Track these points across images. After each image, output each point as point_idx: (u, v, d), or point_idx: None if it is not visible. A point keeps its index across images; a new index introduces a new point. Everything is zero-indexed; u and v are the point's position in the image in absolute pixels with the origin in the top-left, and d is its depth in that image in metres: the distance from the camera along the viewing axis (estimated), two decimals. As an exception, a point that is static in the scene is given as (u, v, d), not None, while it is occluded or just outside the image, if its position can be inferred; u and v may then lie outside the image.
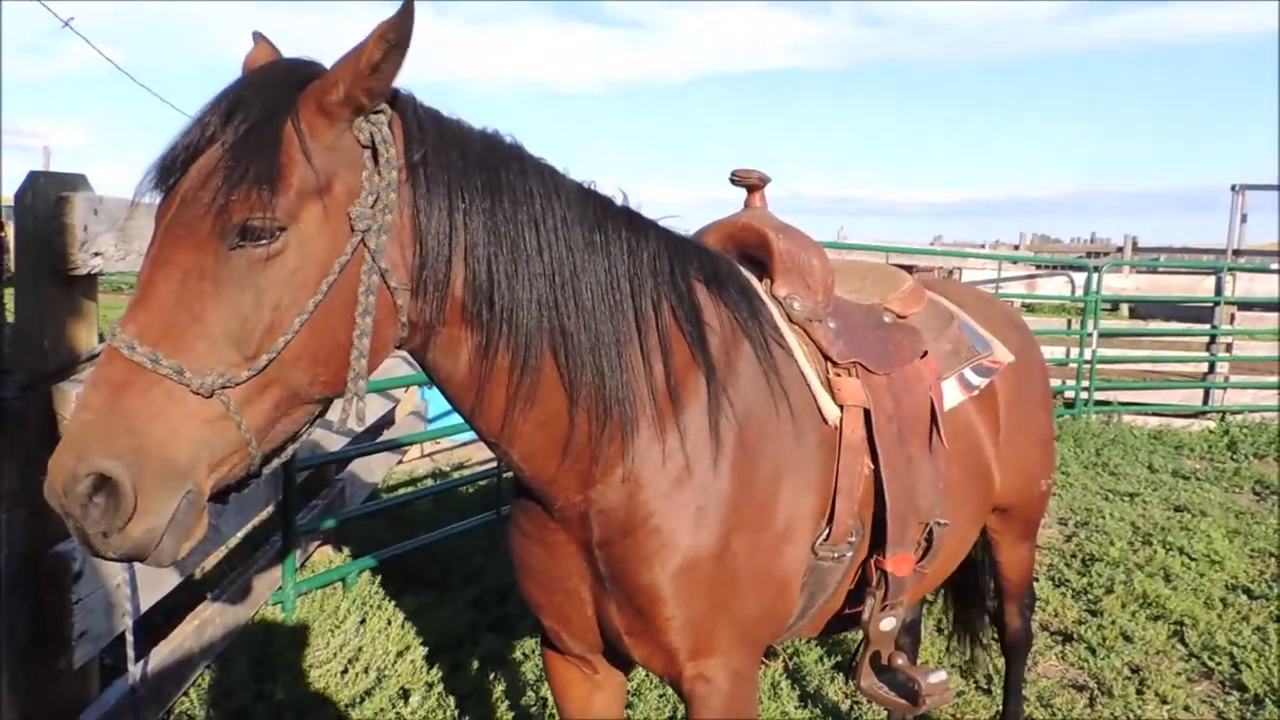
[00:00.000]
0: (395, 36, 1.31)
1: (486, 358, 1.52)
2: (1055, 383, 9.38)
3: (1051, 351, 9.68)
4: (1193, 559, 5.12)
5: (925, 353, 2.11)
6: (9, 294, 2.44)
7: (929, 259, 13.57)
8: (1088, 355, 9.24)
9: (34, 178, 2.36)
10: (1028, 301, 11.83)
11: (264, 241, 1.29)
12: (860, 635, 2.10)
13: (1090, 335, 9.29)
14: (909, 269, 12.79)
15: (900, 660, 2.10)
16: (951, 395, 2.17)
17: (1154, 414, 9.36)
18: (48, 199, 2.34)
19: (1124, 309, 14.30)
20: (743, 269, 1.93)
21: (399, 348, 1.51)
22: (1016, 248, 21.68)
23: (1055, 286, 10.42)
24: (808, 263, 1.94)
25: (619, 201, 1.70)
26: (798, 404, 1.82)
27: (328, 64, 1.39)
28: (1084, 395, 9.21)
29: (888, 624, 2.04)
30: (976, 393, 2.25)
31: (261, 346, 1.30)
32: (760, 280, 1.94)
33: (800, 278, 1.93)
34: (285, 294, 1.31)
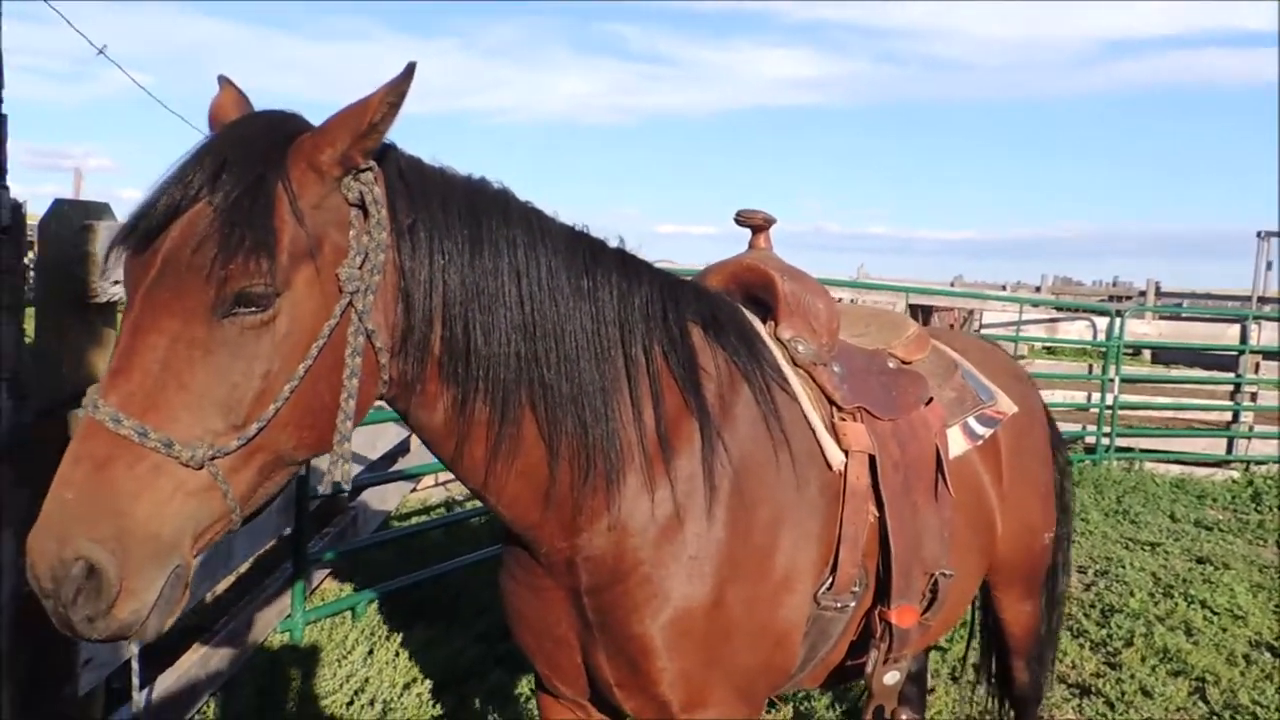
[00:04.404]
0: (396, 97, 1.31)
1: (463, 413, 1.49)
2: (1076, 428, 9.27)
3: (1072, 396, 9.59)
4: (1215, 613, 5.02)
5: (930, 399, 2.09)
6: (29, 316, 2.47)
7: (949, 300, 13.50)
8: (1109, 400, 9.14)
9: (58, 205, 2.38)
10: (1049, 345, 11.74)
11: (257, 309, 1.25)
12: (863, 687, 2.07)
13: (1112, 380, 9.19)
14: (929, 310, 12.70)
15: (904, 716, 2.07)
16: (956, 443, 2.15)
17: (1176, 462, 9.23)
18: (71, 227, 2.36)
19: (1146, 354, 14.15)
20: (746, 311, 1.92)
21: (377, 400, 1.48)
22: (1038, 289, 21.50)
23: (1077, 330, 10.36)
24: (813, 305, 1.93)
25: (613, 244, 1.67)
26: (800, 450, 1.79)
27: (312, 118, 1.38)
28: (1105, 441, 9.09)
29: (891, 678, 2.00)
30: (980, 442, 2.23)
31: (251, 414, 1.26)
32: (764, 322, 1.93)
33: (805, 320, 1.92)
34: (276, 360, 1.28)
